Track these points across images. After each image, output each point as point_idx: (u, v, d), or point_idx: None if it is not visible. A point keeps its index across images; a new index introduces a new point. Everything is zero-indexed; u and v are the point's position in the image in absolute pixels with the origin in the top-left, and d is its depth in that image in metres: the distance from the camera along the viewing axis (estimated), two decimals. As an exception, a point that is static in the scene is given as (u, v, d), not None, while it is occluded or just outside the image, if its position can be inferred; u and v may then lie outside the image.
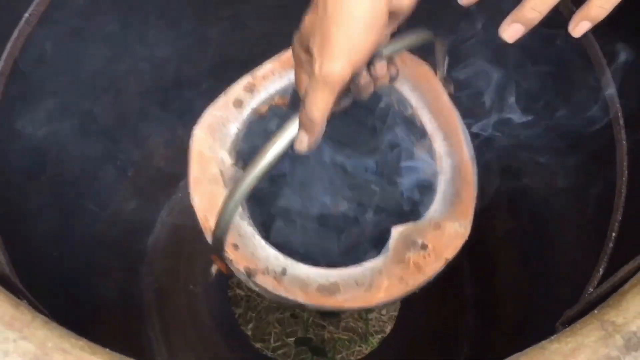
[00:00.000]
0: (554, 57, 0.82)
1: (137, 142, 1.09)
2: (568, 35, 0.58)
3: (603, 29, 0.59)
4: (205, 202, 0.70)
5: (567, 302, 0.68)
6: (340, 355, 1.28)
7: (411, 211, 0.74)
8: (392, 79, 0.60)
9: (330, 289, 0.66)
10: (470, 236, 1.16)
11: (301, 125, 0.53)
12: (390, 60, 0.58)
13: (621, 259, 0.47)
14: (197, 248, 1.18)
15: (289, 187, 0.73)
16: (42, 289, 0.86)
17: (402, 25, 0.57)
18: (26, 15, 0.62)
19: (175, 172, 1.17)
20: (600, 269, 0.56)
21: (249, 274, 0.66)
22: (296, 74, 0.60)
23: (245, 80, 0.77)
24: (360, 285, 0.66)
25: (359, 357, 1.28)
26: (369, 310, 1.32)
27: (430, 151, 0.76)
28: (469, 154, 0.75)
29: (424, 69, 0.78)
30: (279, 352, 1.27)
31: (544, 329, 0.80)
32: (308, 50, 0.52)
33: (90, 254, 1.03)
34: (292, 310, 1.30)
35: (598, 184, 0.76)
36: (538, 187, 0.98)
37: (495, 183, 1.08)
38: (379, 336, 1.29)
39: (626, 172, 0.59)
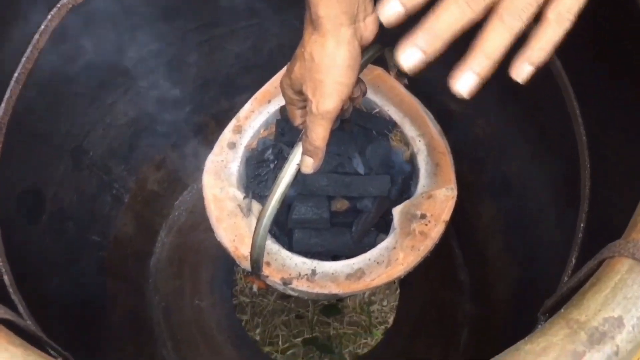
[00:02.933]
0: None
1: (129, 169, 1.13)
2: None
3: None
4: (231, 235, 0.80)
5: (549, 286, 0.73)
6: (347, 350, 1.33)
7: (403, 191, 0.86)
8: (364, 94, 0.71)
9: (357, 274, 0.77)
10: (460, 223, 1.21)
11: (306, 152, 0.63)
12: (358, 80, 0.67)
13: (592, 248, 0.51)
14: (199, 263, 1.22)
15: (297, 201, 0.82)
16: (57, 325, 0.90)
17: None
18: (15, 75, 0.65)
19: (169, 193, 1.21)
20: (573, 259, 0.60)
21: (285, 282, 0.77)
22: (289, 111, 0.71)
23: (232, 124, 0.88)
24: (381, 263, 0.78)
25: (365, 349, 1.32)
26: (371, 302, 1.36)
27: (404, 137, 0.88)
28: (436, 130, 0.88)
29: (378, 71, 0.91)
30: (288, 353, 1.31)
31: (532, 312, 0.85)
32: (300, 93, 0.63)
33: (98, 283, 1.07)
34: (297, 312, 1.35)
35: (565, 176, 0.80)
36: (515, 175, 1.03)
37: (475, 172, 1.13)
38: (383, 327, 1.34)
39: (588, 165, 0.63)
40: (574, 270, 0.60)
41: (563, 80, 0.68)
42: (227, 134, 0.87)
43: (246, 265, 0.77)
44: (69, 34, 0.84)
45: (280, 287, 0.80)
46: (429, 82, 1.06)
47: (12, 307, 0.62)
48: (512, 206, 1.08)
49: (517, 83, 0.97)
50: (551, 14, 0.44)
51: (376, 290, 1.37)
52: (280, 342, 1.32)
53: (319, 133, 0.60)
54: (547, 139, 0.94)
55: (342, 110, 0.65)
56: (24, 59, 0.66)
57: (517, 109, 0.99)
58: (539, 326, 0.57)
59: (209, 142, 1.22)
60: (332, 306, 1.34)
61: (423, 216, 0.80)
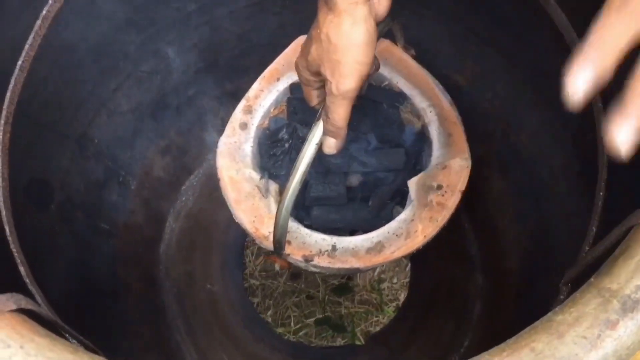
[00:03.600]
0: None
1: (135, 155, 1.12)
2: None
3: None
4: (250, 216, 0.80)
5: (567, 256, 0.73)
6: (359, 328, 1.33)
7: (418, 163, 0.86)
8: (377, 69, 0.69)
9: (377, 248, 0.78)
10: (470, 197, 1.21)
11: (328, 133, 0.64)
12: None
13: (611, 217, 0.51)
14: (209, 247, 1.22)
15: (312, 178, 0.82)
16: (71, 313, 0.90)
17: None
18: (19, 62, 0.64)
19: (175, 179, 1.21)
20: (593, 228, 0.60)
21: (307, 259, 0.78)
22: (305, 92, 0.70)
23: (242, 105, 0.87)
24: (400, 235, 0.78)
25: (377, 327, 1.33)
26: (380, 280, 1.36)
27: (414, 108, 0.87)
28: (447, 101, 0.87)
29: (385, 44, 0.90)
30: (301, 333, 1.32)
31: (548, 282, 0.84)
32: (317, 74, 0.63)
33: (109, 271, 1.07)
34: (308, 292, 1.35)
35: (578, 143, 0.80)
36: (526, 147, 1.02)
37: (484, 145, 1.12)
38: (394, 304, 1.34)
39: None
40: (595, 240, 0.59)
41: (572, 39, 0.67)
42: (237, 114, 0.86)
43: (267, 245, 0.77)
44: (71, 19, 0.83)
45: (302, 265, 0.80)
46: (434, 56, 1.05)
47: (30, 297, 0.61)
48: (523, 177, 1.07)
49: (522, 51, 0.97)
50: None
51: (386, 268, 1.37)
52: (292, 323, 1.33)
53: (340, 113, 0.61)
54: (556, 105, 0.92)
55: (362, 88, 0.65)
56: (27, 46, 0.65)
57: (524, 75, 0.98)
58: (561, 297, 0.57)
59: (214, 126, 1.22)
60: (343, 285, 1.34)
61: (439, 187, 0.80)
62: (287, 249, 0.78)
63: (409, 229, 0.78)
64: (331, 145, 0.65)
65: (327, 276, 1.35)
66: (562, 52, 0.73)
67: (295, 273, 1.34)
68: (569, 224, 0.90)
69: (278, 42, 1.11)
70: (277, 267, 1.26)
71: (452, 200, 0.79)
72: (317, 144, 0.64)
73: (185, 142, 1.19)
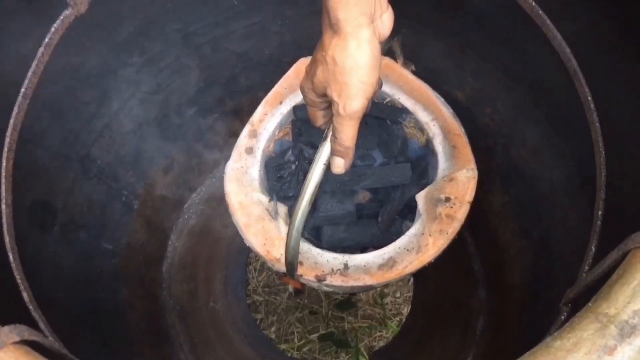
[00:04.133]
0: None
1: (137, 175, 1.12)
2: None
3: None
4: (261, 239, 0.80)
5: (569, 271, 0.73)
6: (363, 343, 1.33)
7: (424, 177, 0.87)
8: (380, 87, 0.73)
9: (389, 263, 0.78)
10: (472, 212, 1.21)
11: (337, 153, 0.65)
12: None
13: (611, 236, 0.51)
14: (211, 265, 1.22)
15: (322, 199, 0.83)
16: (75, 333, 0.90)
17: None
18: (22, 90, 0.65)
19: (178, 197, 1.21)
20: (592, 247, 0.60)
21: (320, 279, 0.78)
22: (311, 113, 0.72)
23: (247, 130, 0.87)
24: (411, 250, 0.79)
25: (381, 342, 1.33)
26: (383, 295, 1.36)
27: (418, 123, 0.88)
28: (449, 113, 0.88)
29: (385, 61, 0.90)
30: (304, 349, 1.32)
31: (551, 297, 0.84)
32: (323, 96, 0.64)
33: (113, 290, 1.07)
34: (311, 307, 1.35)
35: (577, 158, 0.80)
36: (527, 162, 1.02)
37: (484, 160, 1.13)
38: (398, 319, 1.34)
39: (602, 152, 0.63)
40: (595, 260, 0.59)
41: (572, 64, 0.67)
42: (243, 139, 0.87)
43: (279, 267, 0.78)
44: (73, 45, 0.84)
45: (315, 285, 0.80)
46: (434, 73, 1.06)
47: (33, 323, 0.62)
48: (524, 191, 1.08)
49: (521, 67, 0.97)
50: None
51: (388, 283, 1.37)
52: (295, 339, 1.33)
53: (348, 134, 0.62)
54: (556, 122, 0.93)
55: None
56: (29, 74, 0.66)
57: (524, 93, 0.98)
58: (562, 317, 0.58)
59: (215, 144, 1.22)
60: (346, 301, 1.34)
61: (447, 199, 0.81)
62: (300, 270, 0.78)
63: (420, 243, 0.79)
64: (340, 165, 0.66)
65: (331, 292, 1.35)
66: (559, 70, 0.74)
67: (298, 289, 1.35)
68: (570, 238, 0.90)
69: (279, 60, 1.12)
70: (290, 288, 1.26)
71: (462, 212, 0.80)
72: (324, 164, 0.65)
73: (187, 161, 1.19)
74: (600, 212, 0.61)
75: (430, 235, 0.79)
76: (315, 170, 0.64)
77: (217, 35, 1.06)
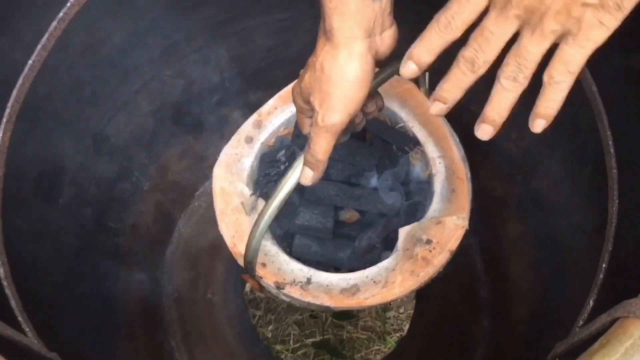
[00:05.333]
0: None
1: (151, 157, 1.12)
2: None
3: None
4: (231, 230, 0.80)
5: (568, 319, 0.69)
6: (359, 355, 1.30)
7: (414, 212, 0.82)
8: (380, 109, 0.67)
9: (352, 290, 0.75)
10: (485, 238, 1.17)
11: (307, 163, 0.61)
12: (376, 93, 0.65)
13: (609, 294, 0.48)
14: (215, 257, 1.21)
15: (303, 206, 0.81)
16: (67, 307, 0.90)
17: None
18: (29, 62, 0.64)
19: (190, 184, 1.20)
20: (591, 301, 0.56)
21: (279, 287, 0.76)
22: (299, 119, 0.68)
23: (252, 118, 0.86)
24: (377, 283, 0.75)
25: (377, 356, 1.30)
26: (386, 309, 1.34)
27: (424, 156, 0.84)
28: (459, 155, 0.84)
29: (408, 86, 0.87)
30: (299, 353, 1.30)
31: (555, 339, 0.81)
32: (308, 102, 0.60)
33: (111, 268, 1.07)
34: (311, 311, 1.33)
35: (596, 200, 0.76)
36: (547, 195, 0.98)
37: (505, 187, 1.09)
38: (398, 334, 1.31)
39: (616, 202, 0.59)
40: (590, 316, 0.56)
41: (597, 104, 0.64)
42: (246, 127, 0.86)
43: (242, 263, 0.76)
44: (96, 17, 0.83)
45: (274, 291, 0.78)
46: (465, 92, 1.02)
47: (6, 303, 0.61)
48: (541, 225, 1.04)
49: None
50: (546, 77, 0.49)
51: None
52: (291, 342, 1.31)
53: (322, 146, 0.58)
54: (580, 160, 0.89)
55: (352, 124, 0.62)
56: (39, 47, 0.65)
57: (553, 126, 0.94)
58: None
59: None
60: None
61: (429, 241, 0.77)
62: (261, 272, 0.76)
63: (388, 278, 0.75)
64: (307, 177, 0.61)
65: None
66: (585, 108, 0.70)
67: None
68: (578, 281, 0.87)
69: (306, 59, 1.10)
70: (247, 287, 1.25)
71: (439, 259, 0.75)
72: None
73: (203, 149, 1.18)
74: (604, 265, 0.57)
75: (399, 274, 0.75)
76: (290, 177, 0.61)
77: (246, 26, 1.05)
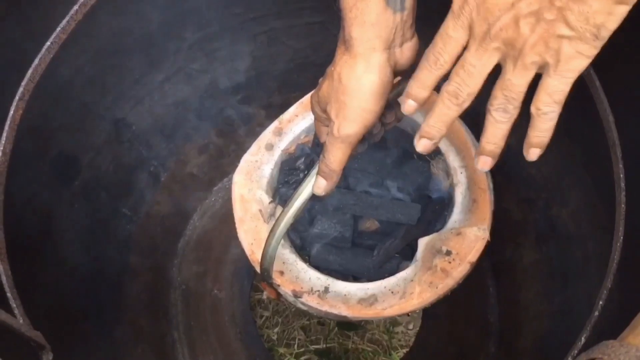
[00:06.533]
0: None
1: (171, 148, 1.13)
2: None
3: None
4: (250, 238, 0.80)
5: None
6: (363, 367, 1.29)
7: (434, 223, 0.82)
8: (399, 120, 0.65)
9: (369, 300, 0.75)
10: (499, 262, 1.14)
11: (321, 173, 0.61)
12: (395, 104, 0.63)
13: (601, 332, 0.45)
14: (226, 253, 1.21)
15: (322, 214, 0.81)
16: (72, 290, 0.91)
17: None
18: (47, 43, 0.65)
19: (208, 178, 1.21)
20: (583, 338, 0.54)
21: (296, 295, 0.76)
22: (317, 127, 0.69)
23: (273, 126, 0.86)
24: (396, 293, 0.75)
25: (381, 370, 1.28)
26: (396, 323, 1.32)
27: (446, 166, 0.83)
28: None
29: (434, 97, 0.81)
30: (302, 358, 1.29)
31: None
32: (325, 111, 0.60)
33: (121, 255, 1.08)
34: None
35: (610, 236, 0.74)
36: (566, 224, 0.95)
37: (523, 211, 1.06)
38: (404, 351, 1.29)
39: (621, 237, 0.57)
40: (579, 353, 0.54)
41: (612, 135, 0.62)
42: (266, 134, 0.86)
43: (259, 270, 0.76)
44: (122, 6, 0.84)
45: (291, 299, 0.78)
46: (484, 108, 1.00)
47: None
48: (557, 253, 1.01)
49: (575, 128, 0.91)
50: (533, 109, 0.50)
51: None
52: (296, 346, 1.30)
53: (336, 156, 0.59)
54: (600, 190, 0.86)
55: (370, 134, 0.62)
56: (58, 29, 0.66)
57: (576, 151, 0.92)
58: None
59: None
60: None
61: (448, 253, 0.76)
62: (279, 280, 0.76)
63: (406, 289, 0.74)
64: (321, 186, 0.61)
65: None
66: (602, 137, 0.68)
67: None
68: (588, 316, 0.83)
69: (333, 65, 1.09)
70: (264, 295, 1.24)
71: (459, 270, 0.74)
72: None
73: (224, 145, 1.18)
74: (601, 303, 0.55)
75: (418, 285, 0.74)
76: (307, 185, 0.61)
77: (276, 27, 1.05)
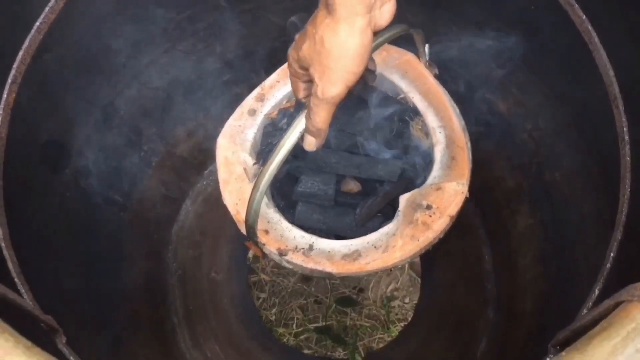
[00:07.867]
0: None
1: (161, 133, 1.11)
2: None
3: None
4: (235, 198, 0.81)
5: (574, 311, 0.67)
6: (362, 342, 1.30)
7: (414, 180, 0.84)
8: (374, 77, 0.74)
9: (353, 255, 0.77)
10: (494, 229, 1.15)
11: (309, 132, 0.64)
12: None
13: (618, 282, 0.46)
14: (220, 236, 1.20)
15: (304, 174, 0.82)
16: (69, 279, 0.90)
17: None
18: (36, 24, 0.64)
19: (199, 162, 1.19)
20: (596, 290, 0.55)
21: (281, 253, 0.77)
22: (293, 83, 0.70)
23: (256, 92, 0.87)
24: (378, 248, 0.77)
25: (380, 344, 1.29)
26: (392, 298, 1.32)
27: (425, 126, 0.85)
28: (459, 125, 0.85)
29: (408, 57, 0.88)
30: (302, 337, 1.29)
31: (560, 328, 0.79)
32: (306, 69, 0.62)
33: (117, 244, 1.06)
34: (316, 297, 1.32)
35: (610, 194, 0.74)
36: (560, 187, 0.96)
37: (516, 178, 1.07)
38: (401, 324, 1.30)
39: (628, 190, 0.57)
40: (595, 304, 0.54)
41: (614, 89, 0.62)
42: (249, 100, 0.87)
43: (245, 229, 0.76)
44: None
45: (276, 258, 0.79)
46: (477, 78, 1.01)
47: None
48: (551, 217, 1.02)
49: (568, 87, 0.91)
50: None
51: (400, 285, 1.33)
52: (294, 325, 1.30)
53: (322, 116, 0.61)
54: (595, 150, 0.87)
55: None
56: (47, 9, 0.64)
57: (568, 114, 0.92)
58: (548, 359, 0.53)
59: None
60: (348, 298, 1.31)
61: (429, 207, 0.78)
62: (264, 239, 0.77)
63: (389, 243, 0.76)
64: (311, 143, 0.65)
65: (337, 284, 1.32)
66: (602, 94, 0.68)
67: (307, 275, 1.32)
68: (588, 275, 0.84)
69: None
70: (250, 254, 1.24)
71: (439, 223, 0.76)
72: (300, 132, 0.64)
73: (214, 127, 1.17)
74: (612, 255, 0.55)
75: (400, 238, 0.76)
76: (289, 137, 0.63)
77: (261, 4, 1.03)
